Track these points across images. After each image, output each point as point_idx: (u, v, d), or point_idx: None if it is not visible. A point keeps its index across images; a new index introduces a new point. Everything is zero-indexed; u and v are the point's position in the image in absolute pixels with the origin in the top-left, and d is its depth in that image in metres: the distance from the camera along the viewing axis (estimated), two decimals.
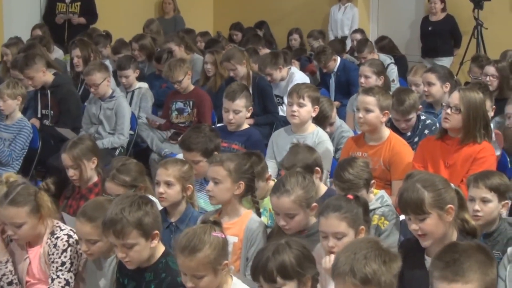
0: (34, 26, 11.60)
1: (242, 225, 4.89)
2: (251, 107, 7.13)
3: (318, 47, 11.09)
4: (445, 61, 11.58)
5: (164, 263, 4.23)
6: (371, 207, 4.99)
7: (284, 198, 4.60)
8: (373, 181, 5.22)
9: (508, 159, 6.61)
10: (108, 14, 12.71)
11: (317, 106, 6.67)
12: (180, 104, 8.42)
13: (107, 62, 9.39)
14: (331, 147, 6.47)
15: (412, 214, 4.22)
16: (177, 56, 10.01)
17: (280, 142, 6.67)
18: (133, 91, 8.85)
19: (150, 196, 4.74)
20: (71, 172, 5.78)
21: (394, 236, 4.77)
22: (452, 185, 4.44)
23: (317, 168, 5.48)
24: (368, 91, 6.35)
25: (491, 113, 6.95)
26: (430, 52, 12.30)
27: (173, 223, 5.02)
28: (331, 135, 6.91)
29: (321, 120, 6.86)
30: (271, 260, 3.66)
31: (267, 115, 8.36)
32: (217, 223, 4.13)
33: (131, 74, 8.89)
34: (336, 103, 9.15)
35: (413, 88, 8.26)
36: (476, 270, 3.19)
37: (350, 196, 4.43)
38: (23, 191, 4.70)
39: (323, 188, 5.46)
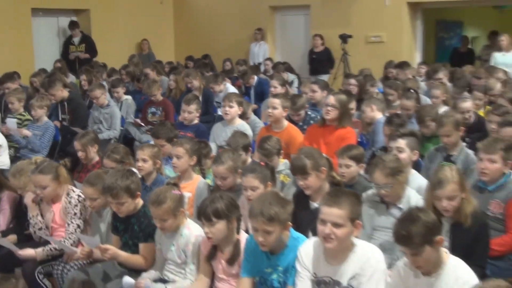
0: (55, 61, 11.41)
1: (194, 185, 4.90)
2: (199, 109, 7.14)
3: (242, 70, 11.15)
4: (325, 77, 11.64)
5: (143, 212, 4.21)
6: (279, 169, 5.09)
7: (220, 167, 4.62)
8: (282, 151, 5.29)
9: (364, 138, 6.74)
10: (104, 51, 12.58)
11: (241, 107, 6.70)
12: (153, 109, 8.35)
13: (104, 83, 9.27)
14: (251, 133, 6.46)
15: (299, 175, 4.29)
16: (151, 78, 10.00)
17: (218, 132, 6.65)
18: (122, 102, 8.76)
19: (133, 169, 4.73)
20: (80, 154, 5.78)
21: (292, 188, 4.75)
22: (324, 155, 4.53)
23: (250, 148, 5.56)
24: (275, 96, 6.43)
25: (354, 109, 7.03)
26: (315, 71, 12.37)
27: (148, 186, 4.97)
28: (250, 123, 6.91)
29: (241, 115, 6.84)
30: (208, 206, 3.66)
31: (209, 115, 8.32)
32: (175, 185, 4.17)
33: (120, 90, 8.82)
34: (255, 106, 9.19)
35: (304, 94, 8.35)
36: (349, 203, 3.19)
37: (262, 163, 4.49)
38: (48, 165, 4.72)
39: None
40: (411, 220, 3.09)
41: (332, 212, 3.16)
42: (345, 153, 4.76)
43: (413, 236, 3.00)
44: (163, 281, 3.97)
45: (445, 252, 3.17)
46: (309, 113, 6.97)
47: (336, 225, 3.15)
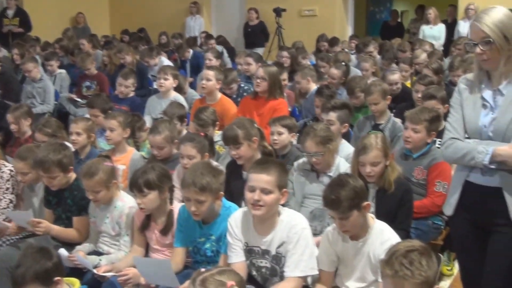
0: None
1: (128, 158, 4.83)
2: (135, 84, 7.03)
3: (178, 43, 11.00)
4: (260, 50, 11.60)
5: (76, 185, 4.11)
6: (215, 140, 5.05)
7: (156, 136, 4.58)
8: (217, 122, 5.26)
9: (297, 109, 6.78)
10: (38, 25, 12.08)
11: (176, 80, 6.64)
12: (88, 83, 8.15)
13: (37, 57, 8.97)
14: (187, 106, 6.36)
15: (231, 145, 4.28)
16: (85, 51, 9.75)
17: (153, 104, 6.56)
18: (55, 76, 8.50)
19: (66, 143, 4.61)
20: (13, 127, 5.62)
21: (227, 158, 4.71)
22: (256, 125, 4.53)
23: (185, 118, 5.51)
24: (210, 68, 6.38)
25: (286, 81, 7.03)
26: (250, 44, 12.30)
27: (82, 159, 4.85)
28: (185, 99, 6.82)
29: (178, 89, 6.77)
30: (140, 177, 3.61)
31: (144, 89, 8.18)
32: (107, 157, 4.09)
33: (54, 64, 8.55)
34: (190, 79, 9.11)
35: (239, 67, 8.33)
36: (276, 170, 3.17)
37: (202, 134, 4.47)
38: None
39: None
40: (340, 185, 3.12)
41: (261, 178, 3.15)
42: (277, 121, 4.79)
43: (342, 200, 3.03)
44: (98, 253, 3.91)
45: (371, 217, 3.23)
46: (242, 85, 6.98)
47: (264, 191, 3.14)
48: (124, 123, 4.87)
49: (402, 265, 2.29)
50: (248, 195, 3.20)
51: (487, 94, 2.90)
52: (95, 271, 3.56)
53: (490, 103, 2.88)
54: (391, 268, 2.31)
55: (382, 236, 3.12)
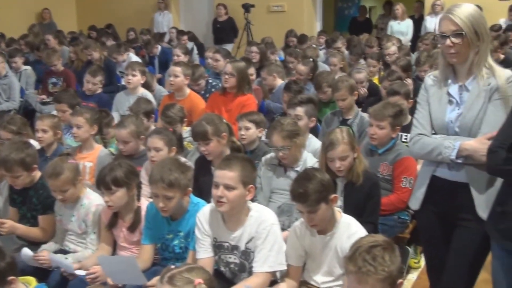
0: None
1: (95, 155, 4.78)
2: (103, 81, 6.95)
3: (146, 39, 10.90)
4: (229, 46, 11.60)
5: (41, 183, 4.04)
6: (184, 136, 5.02)
7: (122, 130, 4.54)
8: (185, 119, 5.22)
9: (265, 104, 6.78)
10: (2, 21, 11.89)
11: (144, 76, 6.56)
12: (54, 80, 8.06)
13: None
14: (154, 102, 6.29)
15: (200, 141, 4.25)
16: (51, 46, 9.61)
17: (121, 101, 6.47)
18: (21, 72, 8.38)
19: (31, 141, 4.53)
20: None
21: (196, 154, 4.70)
22: (224, 120, 4.51)
23: (152, 114, 5.46)
24: (177, 64, 6.31)
25: (254, 76, 7.02)
26: (219, 40, 12.25)
27: (49, 157, 4.77)
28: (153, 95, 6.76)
29: (146, 85, 6.71)
30: (107, 175, 3.56)
31: (112, 85, 8.08)
32: (69, 154, 4.04)
33: (18, 60, 8.43)
34: (159, 75, 9.05)
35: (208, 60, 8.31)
36: (240, 166, 3.14)
37: (171, 129, 4.44)
38: None
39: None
40: (307, 178, 3.12)
41: (224, 175, 3.13)
42: (245, 116, 4.79)
43: (309, 194, 3.03)
44: (64, 252, 3.86)
45: (338, 211, 3.24)
46: (210, 81, 6.95)
47: (227, 187, 3.12)
48: (91, 120, 4.81)
49: (365, 261, 2.27)
50: (213, 191, 3.19)
51: (453, 90, 2.92)
52: (78, 272, 3.50)
53: (456, 98, 2.90)
54: (354, 265, 2.29)
55: (349, 230, 3.12)
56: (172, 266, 2.36)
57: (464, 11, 2.81)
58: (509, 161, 2.44)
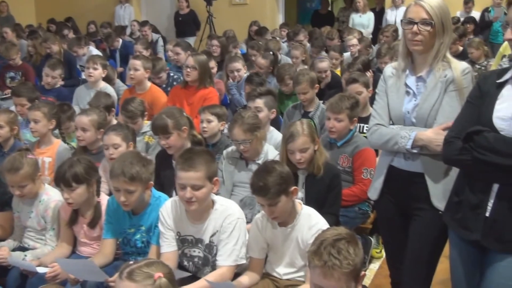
0: None
1: (54, 150, 4.71)
2: (63, 74, 6.86)
3: (106, 33, 10.77)
4: (191, 39, 11.54)
5: None
6: (143, 130, 5.00)
7: (83, 117, 4.50)
8: (146, 112, 5.18)
9: (228, 97, 6.78)
10: None
11: (105, 70, 6.49)
12: (12, 74, 7.91)
13: None
14: (115, 95, 6.22)
15: (161, 134, 4.23)
16: (8, 40, 9.41)
17: (81, 95, 6.39)
18: None
19: None
20: None
21: (157, 149, 4.67)
22: (185, 114, 4.49)
23: (113, 108, 5.39)
24: (136, 58, 6.26)
25: (215, 69, 7.00)
26: (181, 33, 12.17)
27: (6, 152, 4.68)
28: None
29: (107, 79, 6.63)
30: (67, 171, 3.51)
31: (73, 79, 7.97)
32: (27, 149, 3.97)
33: None
34: (120, 69, 8.96)
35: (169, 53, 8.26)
36: (203, 163, 3.12)
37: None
38: None
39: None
40: (267, 171, 3.13)
41: (190, 176, 3.10)
42: (207, 109, 4.78)
43: (269, 187, 3.04)
44: (23, 249, 3.80)
45: (299, 203, 3.26)
46: (171, 74, 6.91)
47: (195, 187, 3.11)
48: (49, 114, 4.73)
49: (330, 255, 2.28)
50: (179, 192, 3.16)
51: (410, 81, 2.96)
52: (38, 269, 3.44)
53: (413, 89, 2.94)
54: (319, 259, 2.30)
55: (310, 221, 3.15)
56: (131, 262, 2.35)
57: (435, 1, 2.84)
58: (464, 151, 2.47)
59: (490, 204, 2.46)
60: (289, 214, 3.17)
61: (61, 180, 3.52)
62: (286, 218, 3.18)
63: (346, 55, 8.05)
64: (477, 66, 7.49)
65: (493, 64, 7.05)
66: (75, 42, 8.85)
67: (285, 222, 3.19)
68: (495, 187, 2.45)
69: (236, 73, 6.57)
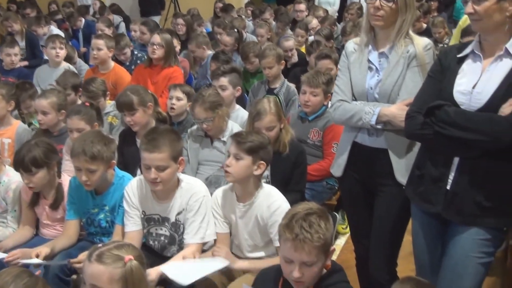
0: None
1: (13, 131, 4.62)
2: (23, 52, 6.71)
3: (69, 12, 10.53)
4: (156, 18, 11.36)
5: None
6: (107, 111, 4.94)
7: (42, 100, 4.41)
8: (108, 92, 5.10)
9: (193, 76, 6.73)
10: None
11: (66, 50, 6.36)
12: None
13: None
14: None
15: (126, 111, 4.17)
16: None
17: (42, 75, 6.24)
18: None
19: None
20: None
21: (121, 129, 4.61)
22: (150, 91, 4.44)
23: (80, 88, 5.22)
24: (99, 37, 6.14)
25: (178, 48, 6.92)
26: (146, 13, 11.93)
27: None
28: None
29: (68, 59, 6.50)
30: (26, 156, 3.44)
31: (36, 59, 7.77)
32: None
33: None
34: (84, 49, 8.81)
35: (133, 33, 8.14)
36: (168, 144, 3.09)
37: (87, 104, 4.32)
38: None
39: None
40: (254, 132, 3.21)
41: (154, 157, 3.06)
42: (179, 86, 4.77)
43: (250, 140, 3.10)
44: None
45: (259, 181, 3.21)
46: (135, 52, 6.82)
47: (160, 168, 3.08)
48: (8, 96, 4.61)
49: (302, 228, 2.31)
50: (144, 173, 3.14)
51: (373, 56, 2.96)
52: None
53: (375, 65, 2.94)
54: (291, 232, 2.32)
55: (269, 199, 3.12)
56: (100, 245, 2.32)
57: None
58: (426, 126, 2.49)
59: (451, 178, 2.50)
60: (250, 192, 3.14)
61: (20, 165, 3.46)
62: (246, 195, 3.15)
63: (311, 39, 8.07)
64: (440, 45, 7.54)
65: (453, 38, 7.11)
66: (35, 21, 8.63)
67: (244, 198, 3.17)
68: (456, 160, 2.49)
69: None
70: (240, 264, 3.16)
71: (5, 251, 3.40)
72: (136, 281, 2.19)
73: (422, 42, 2.90)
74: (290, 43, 6.71)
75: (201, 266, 3.03)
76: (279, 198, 3.14)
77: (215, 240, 3.26)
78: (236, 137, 3.16)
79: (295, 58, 6.65)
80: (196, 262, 3.08)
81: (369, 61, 2.96)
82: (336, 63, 5.23)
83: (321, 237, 2.30)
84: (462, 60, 2.57)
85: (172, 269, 2.98)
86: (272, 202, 3.10)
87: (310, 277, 2.38)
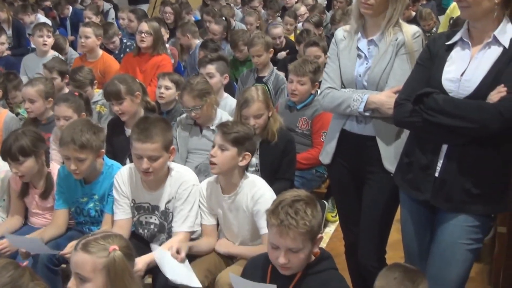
0: None
1: (2, 119, 4.57)
2: (9, 41, 6.66)
3: (56, 0, 10.42)
4: (144, 7, 11.26)
5: None
6: (95, 99, 4.91)
7: (29, 88, 4.39)
8: (95, 81, 5.07)
9: (182, 65, 6.71)
10: None
11: (53, 38, 6.33)
12: None
13: None
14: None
15: (114, 100, 4.16)
16: None
17: (30, 64, 6.21)
18: None
19: None
20: None
21: (109, 118, 4.59)
22: (138, 80, 4.43)
23: (67, 75, 5.18)
24: (86, 25, 6.12)
25: (166, 36, 6.89)
26: (134, 1, 11.82)
27: None
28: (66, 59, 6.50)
29: (59, 48, 6.47)
30: (13, 145, 3.42)
31: (22, 48, 7.71)
32: None
33: None
34: (71, 37, 8.73)
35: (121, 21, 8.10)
36: (160, 134, 3.09)
37: (76, 93, 4.30)
38: None
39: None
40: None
41: (146, 147, 3.06)
42: (167, 75, 4.75)
43: (235, 130, 3.12)
44: None
45: (244, 172, 3.21)
46: (124, 41, 6.79)
47: (152, 158, 3.07)
48: None
49: (287, 215, 2.32)
50: (136, 162, 3.13)
51: (362, 44, 2.96)
52: None
53: (364, 53, 2.94)
54: (276, 218, 2.33)
55: (253, 188, 3.12)
56: (89, 235, 2.31)
57: None
58: (415, 113, 2.50)
59: (439, 165, 2.51)
60: (232, 180, 3.14)
61: (8, 154, 3.44)
62: (228, 180, 3.14)
63: (300, 26, 8.07)
64: (428, 34, 7.56)
65: (440, 27, 7.12)
66: (21, 9, 8.54)
67: (228, 190, 3.16)
68: (444, 147, 2.49)
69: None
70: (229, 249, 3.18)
71: None
72: (118, 272, 2.18)
73: (411, 30, 2.90)
74: (278, 30, 6.71)
75: (185, 271, 2.99)
76: (262, 186, 3.14)
77: None
78: (222, 127, 3.15)
79: (282, 46, 6.63)
80: (182, 267, 3.01)
81: (358, 48, 2.96)
82: (324, 51, 5.25)
83: (306, 224, 2.31)
84: (451, 47, 2.56)
85: (163, 260, 2.96)
86: (256, 191, 3.10)
87: (297, 263, 2.39)
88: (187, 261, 3.02)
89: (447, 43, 2.57)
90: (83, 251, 2.20)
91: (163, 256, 2.98)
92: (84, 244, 2.21)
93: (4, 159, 3.51)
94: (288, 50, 6.66)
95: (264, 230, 2.92)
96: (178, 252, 2.97)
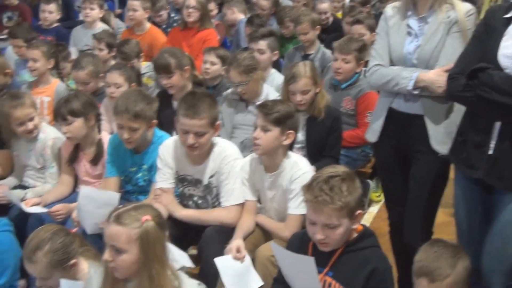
0: None
1: (53, 89, 4.74)
2: (60, 11, 6.70)
3: None
4: None
5: None
6: (142, 72, 4.99)
7: (80, 72, 4.49)
8: (142, 54, 5.16)
9: (228, 40, 6.75)
10: None
11: (102, 10, 6.40)
12: (9, 14, 7.71)
13: None
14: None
15: (163, 73, 4.24)
16: None
17: (78, 36, 6.28)
18: None
19: None
20: None
21: (156, 90, 4.68)
22: (186, 54, 4.49)
23: (114, 48, 5.26)
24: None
25: (214, 12, 6.92)
26: None
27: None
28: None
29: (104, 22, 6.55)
30: (63, 106, 3.57)
31: (70, 20, 7.73)
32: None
33: None
34: (119, 10, 8.78)
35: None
36: (206, 110, 3.12)
37: (129, 65, 4.42)
38: None
39: None
40: (281, 102, 3.22)
41: (194, 123, 3.10)
42: (213, 50, 4.77)
43: (277, 110, 3.12)
44: (23, 187, 3.85)
45: (287, 152, 3.21)
46: (172, 15, 6.85)
47: (198, 134, 3.12)
48: (48, 53, 4.72)
49: (322, 191, 2.33)
50: (182, 136, 3.17)
51: (413, 21, 2.93)
52: (22, 204, 3.50)
53: (415, 30, 2.91)
54: (311, 194, 2.35)
55: (294, 168, 3.13)
56: (120, 206, 2.38)
57: None
58: (468, 88, 2.46)
59: (492, 144, 2.47)
60: (275, 160, 3.15)
61: (58, 114, 3.58)
62: (271, 160, 3.16)
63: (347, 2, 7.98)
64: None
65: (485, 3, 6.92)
66: None
67: (271, 168, 3.18)
68: (497, 125, 2.45)
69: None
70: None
71: (45, 206, 3.54)
72: (151, 241, 2.23)
73: (464, 7, 2.86)
74: (325, 5, 6.63)
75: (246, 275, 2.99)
76: (304, 167, 3.14)
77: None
78: (262, 108, 3.14)
79: (329, 22, 6.58)
80: (244, 268, 3.01)
81: (408, 26, 2.94)
82: (370, 29, 5.19)
83: (341, 200, 2.32)
84: (509, 21, 2.49)
85: (227, 269, 2.96)
86: (295, 171, 3.10)
87: (334, 239, 2.40)
88: (248, 258, 3.02)
89: (505, 16, 2.50)
90: (115, 223, 2.25)
91: (225, 263, 2.97)
92: (117, 216, 2.27)
93: (55, 119, 3.65)
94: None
95: (290, 210, 3.01)
96: (238, 250, 2.99)
